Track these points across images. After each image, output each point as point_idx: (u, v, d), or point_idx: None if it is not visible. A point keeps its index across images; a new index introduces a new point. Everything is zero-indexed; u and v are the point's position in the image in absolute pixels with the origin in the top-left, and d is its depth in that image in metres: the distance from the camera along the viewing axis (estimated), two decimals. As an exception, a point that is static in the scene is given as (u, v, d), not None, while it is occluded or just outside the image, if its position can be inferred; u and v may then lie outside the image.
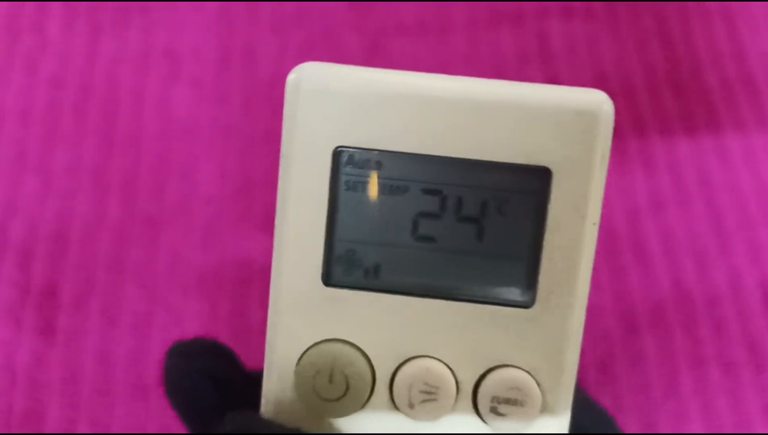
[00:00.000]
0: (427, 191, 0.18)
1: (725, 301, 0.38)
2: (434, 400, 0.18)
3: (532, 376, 0.18)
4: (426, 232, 0.19)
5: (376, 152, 0.18)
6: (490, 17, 0.44)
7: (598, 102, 0.19)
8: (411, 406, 0.19)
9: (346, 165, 0.18)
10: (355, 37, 0.43)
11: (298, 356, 0.19)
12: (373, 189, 0.18)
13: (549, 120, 0.18)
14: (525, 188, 0.18)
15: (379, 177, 0.18)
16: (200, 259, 0.38)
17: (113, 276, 0.37)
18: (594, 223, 0.19)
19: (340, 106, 0.18)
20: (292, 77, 0.18)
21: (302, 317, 0.19)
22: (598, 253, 0.39)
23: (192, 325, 0.36)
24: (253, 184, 0.39)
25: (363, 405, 0.19)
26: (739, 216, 0.39)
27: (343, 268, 0.19)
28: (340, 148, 0.18)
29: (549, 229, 0.18)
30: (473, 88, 0.18)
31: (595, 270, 0.39)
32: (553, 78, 0.42)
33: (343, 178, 0.19)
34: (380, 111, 0.18)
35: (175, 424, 0.35)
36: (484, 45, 0.43)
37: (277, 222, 0.20)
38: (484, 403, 0.19)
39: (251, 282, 0.37)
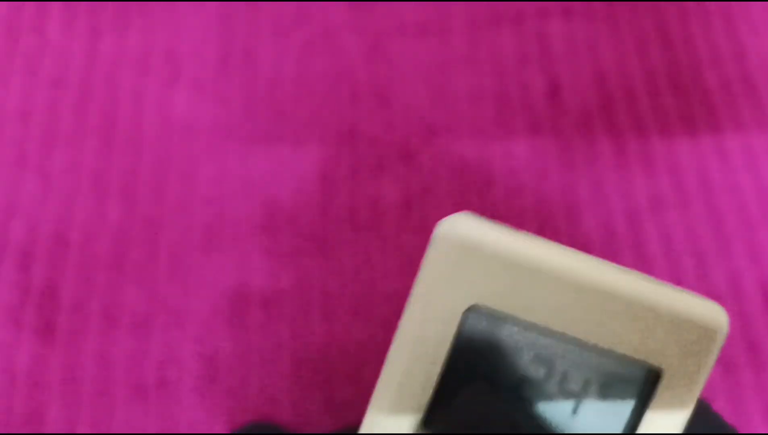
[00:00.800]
0: (539, 357, 0.19)
1: (725, 301, 0.38)
2: None
3: None
4: (527, 394, 0.19)
5: (504, 316, 0.19)
6: (490, 17, 0.44)
7: (718, 319, 0.19)
8: None
9: (472, 321, 0.19)
10: (355, 37, 0.43)
11: None
12: (491, 349, 0.19)
13: (670, 325, 0.19)
14: (631, 380, 0.19)
15: (499, 339, 0.19)
16: (200, 259, 0.38)
17: (113, 276, 0.37)
18: (681, 426, 0.19)
19: (480, 265, 0.19)
20: (442, 230, 0.19)
21: None
22: (598, 252, 0.39)
23: (192, 325, 0.36)
24: (253, 184, 0.39)
25: None
26: (739, 216, 0.39)
27: (444, 415, 0.19)
28: (473, 306, 0.19)
29: (642, 425, 0.19)
30: (607, 276, 0.19)
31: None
32: (553, 78, 0.42)
33: (466, 333, 0.19)
34: (518, 279, 0.19)
35: (175, 424, 0.35)
36: (484, 45, 0.43)
37: (391, 357, 0.19)
38: None
39: (251, 282, 0.37)
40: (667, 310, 0.19)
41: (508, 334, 0.19)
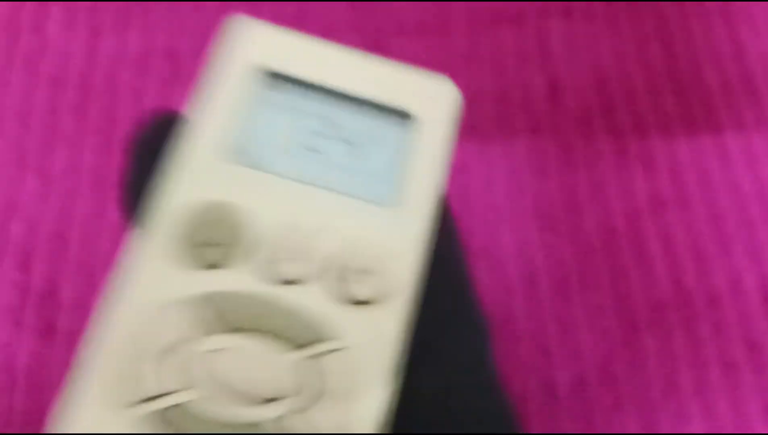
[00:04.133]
0: (318, 114, 0.23)
1: (725, 301, 0.38)
2: (293, 260, 0.21)
3: (388, 256, 0.22)
4: (311, 144, 0.23)
5: (290, 78, 0.23)
6: (490, 17, 0.44)
7: (445, 82, 0.24)
8: (273, 267, 0.21)
9: (264, 82, 0.23)
10: (355, 37, 0.43)
11: (191, 206, 0.21)
12: (277, 102, 0.23)
13: (413, 85, 0.24)
14: (391, 123, 0.23)
15: (282, 95, 0.23)
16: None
17: (113, 276, 0.37)
18: (441, 172, 0.23)
19: (264, 41, 0.23)
20: (231, 21, 0.23)
21: (204, 176, 0.22)
22: (597, 252, 0.39)
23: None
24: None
25: (232, 262, 0.21)
26: (739, 216, 0.39)
27: (245, 152, 0.22)
28: (263, 70, 0.23)
29: (410, 169, 0.23)
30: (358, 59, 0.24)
31: (595, 270, 0.39)
32: (553, 78, 0.42)
33: (258, 94, 0.23)
34: (295, 50, 0.24)
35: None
36: (484, 45, 0.43)
37: (201, 97, 0.23)
38: (339, 275, 0.21)
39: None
40: (411, 74, 0.24)
41: (294, 94, 0.23)
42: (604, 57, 0.43)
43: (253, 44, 0.23)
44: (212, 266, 0.21)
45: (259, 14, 0.44)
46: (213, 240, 0.21)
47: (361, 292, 0.21)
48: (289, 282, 0.21)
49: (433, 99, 0.24)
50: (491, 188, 0.40)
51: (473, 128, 0.41)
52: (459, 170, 0.40)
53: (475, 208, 0.39)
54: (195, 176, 0.22)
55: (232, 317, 0.20)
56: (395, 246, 0.22)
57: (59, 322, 0.36)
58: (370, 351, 0.20)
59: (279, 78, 0.23)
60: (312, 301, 0.21)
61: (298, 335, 0.20)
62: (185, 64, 0.42)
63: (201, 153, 0.22)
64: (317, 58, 0.24)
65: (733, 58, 0.43)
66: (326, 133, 0.23)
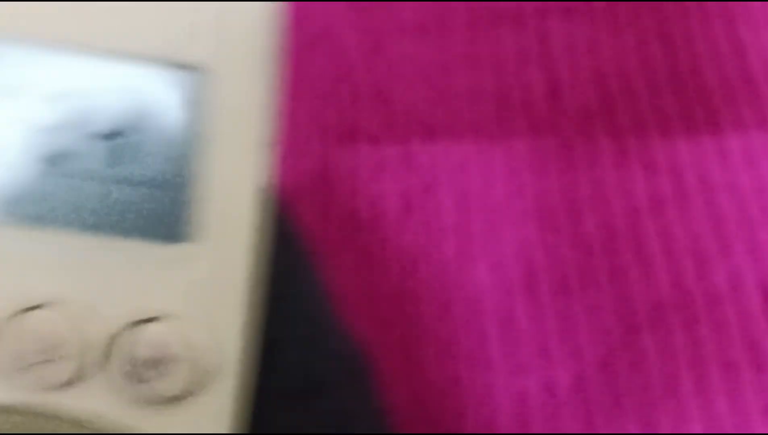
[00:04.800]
0: (47, 97, 0.14)
1: (725, 301, 0.38)
2: (52, 361, 0.15)
3: (182, 327, 0.15)
4: (46, 150, 0.15)
5: None
6: (490, 17, 0.44)
7: (256, 6, 0.16)
8: (22, 369, 0.15)
9: None
10: (355, 37, 0.43)
11: None
12: None
13: (203, 16, 0.15)
14: (173, 92, 0.15)
15: None
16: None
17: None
18: (258, 143, 0.16)
19: None
20: None
21: None
22: (598, 252, 0.39)
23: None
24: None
25: None
26: (739, 216, 0.39)
27: None
28: None
29: (205, 147, 0.15)
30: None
31: (595, 270, 0.39)
32: (553, 78, 0.42)
33: None
34: None
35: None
36: (484, 45, 0.43)
37: None
38: (122, 365, 0.15)
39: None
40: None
41: None
42: (604, 57, 0.43)
43: None
44: None
45: (259, 14, 0.44)
46: None
47: (165, 387, 0.15)
48: (60, 385, 0.15)
49: (237, 33, 0.15)
50: (491, 188, 0.40)
51: (473, 128, 0.41)
52: (459, 170, 0.40)
53: (475, 208, 0.39)
54: None
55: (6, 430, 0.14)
56: (203, 307, 0.15)
57: (59, 322, 0.36)
58: None
59: None
60: (97, 404, 0.15)
61: None
62: (185, 64, 0.42)
63: None
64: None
65: (733, 58, 0.43)
66: (62, 135, 0.15)
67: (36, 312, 0.15)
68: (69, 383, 0.15)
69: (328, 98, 0.42)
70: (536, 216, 0.39)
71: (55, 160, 0.15)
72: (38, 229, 0.14)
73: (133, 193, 0.15)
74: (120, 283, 0.15)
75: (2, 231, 0.14)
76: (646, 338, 0.37)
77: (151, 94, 0.15)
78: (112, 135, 0.15)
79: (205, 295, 0.15)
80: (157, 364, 0.15)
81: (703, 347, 0.37)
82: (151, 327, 0.15)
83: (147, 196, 0.15)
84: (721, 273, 0.38)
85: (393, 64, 0.43)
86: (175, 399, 0.15)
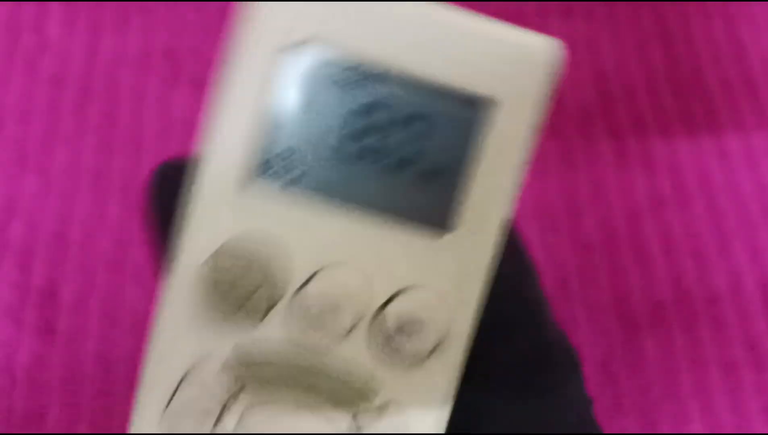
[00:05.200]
0: (369, 102, 0.18)
1: (725, 301, 0.38)
2: (333, 319, 0.18)
3: (438, 301, 0.18)
4: (361, 142, 0.18)
5: (326, 54, 0.18)
6: (489, 17, 0.44)
7: (549, 48, 0.20)
8: (310, 320, 0.18)
9: (293, 65, 0.18)
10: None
11: (214, 248, 0.18)
12: (316, 92, 0.18)
13: (502, 55, 0.19)
14: (466, 114, 0.18)
15: (322, 80, 0.18)
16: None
17: (113, 276, 0.37)
18: (522, 162, 0.20)
19: (298, 9, 0.18)
20: None
21: (225, 209, 0.18)
22: (597, 252, 0.39)
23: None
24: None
25: (264, 313, 0.18)
26: (739, 216, 0.39)
27: (274, 166, 0.18)
28: (291, 46, 0.18)
29: (481, 157, 0.19)
30: (437, 10, 0.18)
31: (595, 269, 0.39)
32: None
33: (287, 78, 0.18)
34: (336, 15, 0.18)
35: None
36: (484, 45, 0.43)
37: (214, 112, 0.19)
38: (383, 327, 0.18)
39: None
40: (495, 38, 0.19)
41: (333, 76, 0.18)
42: (604, 57, 0.43)
43: (276, 21, 0.18)
44: (242, 318, 0.18)
45: (259, 14, 0.44)
46: (240, 289, 0.18)
47: (412, 347, 0.18)
48: (330, 337, 0.18)
49: (520, 73, 0.19)
50: (491, 188, 0.40)
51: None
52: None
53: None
54: (213, 211, 0.18)
55: (266, 375, 0.18)
56: (453, 285, 0.18)
57: (59, 321, 0.36)
58: (420, 409, 0.18)
59: (310, 58, 0.18)
60: (356, 357, 0.18)
61: (341, 395, 0.18)
62: (185, 64, 0.42)
63: (219, 179, 0.18)
64: (362, 23, 0.18)
65: (733, 58, 0.43)
66: (373, 133, 0.18)
67: (326, 272, 0.18)
68: (337, 341, 0.18)
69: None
70: (536, 216, 0.39)
71: (365, 150, 0.18)
72: (339, 207, 0.18)
73: (421, 188, 0.18)
74: (394, 258, 0.18)
75: (311, 206, 0.18)
76: (646, 338, 0.37)
77: (450, 112, 0.18)
78: (413, 138, 0.18)
79: (456, 275, 0.18)
80: (410, 328, 0.18)
81: (703, 347, 0.37)
82: (407, 297, 0.18)
83: (431, 192, 0.18)
84: (721, 273, 0.38)
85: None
86: (419, 360, 0.18)
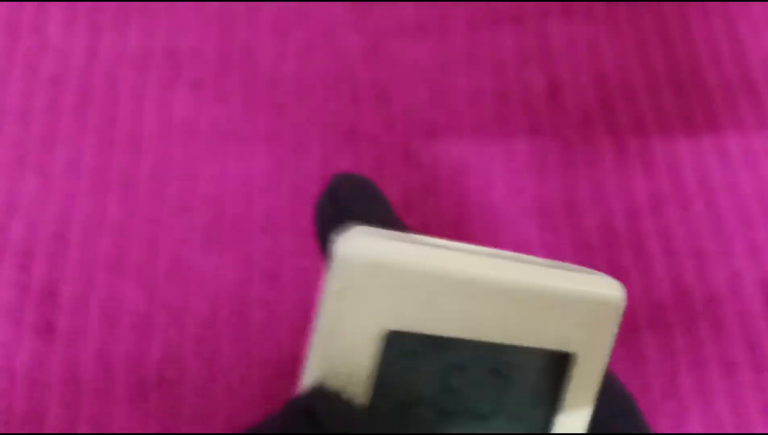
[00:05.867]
0: (456, 367, 0.19)
1: (725, 301, 0.38)
2: None
3: None
4: (450, 406, 0.19)
5: (423, 336, 0.18)
6: (490, 17, 0.44)
7: (616, 293, 0.19)
8: None
9: (391, 347, 0.18)
10: (355, 37, 0.43)
11: None
12: (406, 369, 0.18)
13: (573, 310, 0.19)
14: (545, 369, 0.19)
15: (417, 358, 0.18)
16: (200, 259, 0.38)
17: (113, 276, 0.37)
18: (593, 399, 0.20)
19: (391, 284, 0.17)
20: (343, 249, 0.17)
21: None
22: (598, 252, 0.39)
23: (192, 326, 0.36)
24: (253, 184, 0.39)
25: None
26: (739, 216, 0.39)
27: None
28: (390, 331, 0.18)
29: (562, 407, 0.19)
30: (509, 274, 0.18)
31: (596, 269, 0.39)
32: (553, 78, 0.42)
33: (386, 359, 0.18)
34: (429, 293, 0.18)
35: (175, 424, 0.35)
36: (484, 45, 0.43)
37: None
38: None
39: (251, 282, 0.37)
40: (564, 293, 0.19)
41: (425, 354, 0.18)
42: (604, 57, 0.43)
43: (369, 294, 0.17)
44: None
45: (258, 14, 0.44)
46: None
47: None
48: None
49: (594, 321, 0.19)
50: (491, 188, 0.40)
51: (473, 128, 0.41)
52: (459, 171, 0.40)
53: (475, 208, 0.39)
54: None
55: None
56: None
57: (59, 321, 0.36)
58: None
59: (400, 339, 0.18)
60: None
61: None
62: (185, 64, 0.42)
63: None
64: (441, 298, 0.18)
65: (733, 58, 0.43)
66: (456, 395, 0.19)
67: None
68: None
69: (328, 98, 0.42)
70: (536, 216, 0.39)
71: (453, 413, 0.19)
72: None
73: None
74: None
75: None
76: (646, 338, 0.37)
77: (531, 370, 0.19)
78: (496, 398, 0.19)
79: None
80: None
81: (703, 347, 0.37)
82: None
83: None
84: (720, 272, 0.38)
85: (393, 64, 0.43)
86: None
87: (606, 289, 0.19)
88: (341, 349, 0.17)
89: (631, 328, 0.37)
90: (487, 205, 0.39)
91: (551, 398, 0.19)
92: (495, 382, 0.19)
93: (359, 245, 0.17)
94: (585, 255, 0.39)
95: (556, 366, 0.19)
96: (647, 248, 0.39)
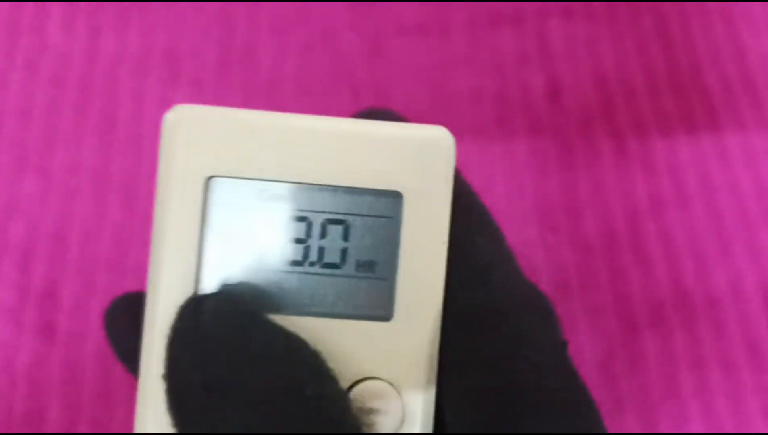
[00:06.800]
0: (296, 218, 0.20)
1: (725, 302, 0.38)
2: None
3: (393, 386, 0.20)
4: (296, 257, 0.20)
5: (247, 181, 0.20)
6: (490, 17, 0.44)
7: (440, 136, 0.22)
8: None
9: (217, 194, 0.20)
10: (355, 37, 0.43)
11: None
12: (246, 218, 0.20)
13: (400, 151, 0.21)
14: (380, 211, 0.20)
15: (251, 205, 0.20)
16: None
17: (113, 276, 0.37)
18: (443, 242, 0.21)
19: (213, 139, 0.20)
20: (170, 117, 0.20)
21: None
22: (598, 252, 0.39)
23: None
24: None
25: None
26: (739, 216, 0.39)
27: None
28: (212, 178, 0.20)
29: (403, 248, 0.20)
30: (332, 123, 0.21)
31: (596, 270, 0.39)
32: (553, 78, 0.42)
33: (215, 207, 0.20)
34: (249, 144, 0.20)
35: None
36: (484, 45, 0.43)
37: (153, 246, 0.20)
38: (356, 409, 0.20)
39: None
40: (392, 138, 0.21)
41: (259, 200, 0.20)
42: (604, 57, 0.43)
43: (196, 150, 0.20)
44: None
45: (258, 14, 0.44)
46: None
47: (379, 427, 0.20)
48: None
49: (423, 160, 0.21)
50: (491, 188, 0.40)
51: (473, 128, 0.41)
52: (458, 170, 0.40)
53: (475, 208, 0.39)
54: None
55: None
56: (402, 372, 0.20)
57: (59, 322, 0.36)
58: None
59: (231, 184, 0.20)
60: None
61: None
62: (185, 64, 0.42)
63: (166, 314, 0.20)
64: (270, 145, 0.20)
65: (733, 58, 0.43)
66: (302, 243, 0.20)
67: None
68: None
69: (328, 98, 0.42)
70: (536, 216, 0.39)
71: (300, 263, 0.20)
72: (292, 316, 0.20)
73: (355, 284, 0.20)
74: (349, 354, 0.20)
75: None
76: (646, 338, 0.37)
77: (366, 212, 0.20)
78: (340, 242, 0.20)
79: (403, 363, 0.20)
80: (369, 414, 0.20)
81: (703, 347, 0.37)
82: (363, 388, 0.20)
83: (365, 287, 0.20)
84: (721, 273, 0.38)
85: (393, 64, 0.43)
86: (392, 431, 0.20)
87: (432, 131, 0.21)
88: (171, 195, 0.20)
89: (631, 328, 0.37)
90: (486, 205, 0.39)
91: (394, 241, 0.20)
92: (336, 229, 0.20)
93: (181, 112, 0.20)
94: (585, 255, 0.39)
95: (393, 207, 0.20)
96: (647, 248, 0.39)
